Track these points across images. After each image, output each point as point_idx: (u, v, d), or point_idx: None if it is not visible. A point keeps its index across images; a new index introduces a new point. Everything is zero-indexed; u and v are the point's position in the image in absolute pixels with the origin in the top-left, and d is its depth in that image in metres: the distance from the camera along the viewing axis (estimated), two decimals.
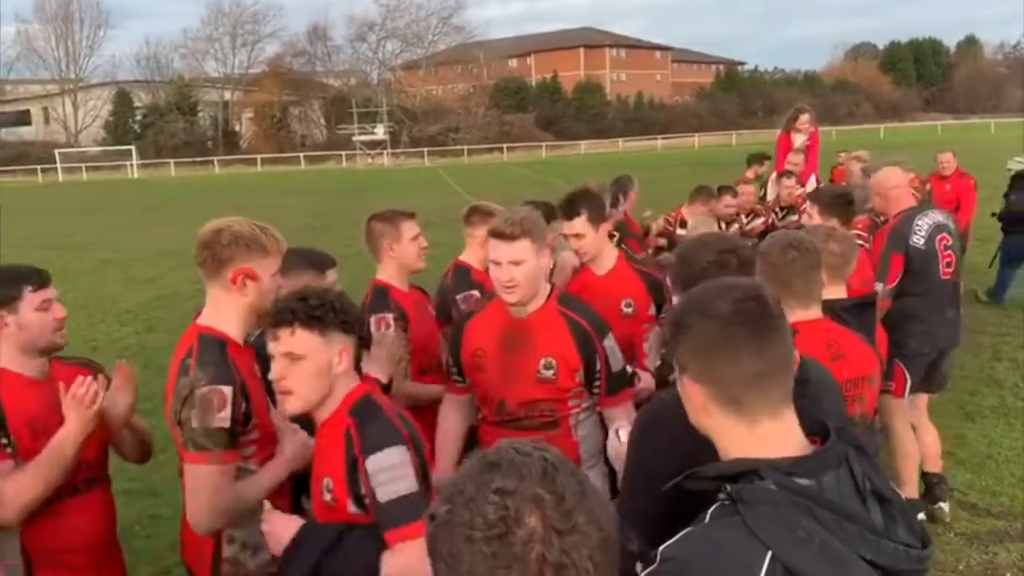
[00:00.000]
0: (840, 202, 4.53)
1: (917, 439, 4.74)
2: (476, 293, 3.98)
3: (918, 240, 4.57)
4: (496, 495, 1.06)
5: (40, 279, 2.62)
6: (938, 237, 4.61)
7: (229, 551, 2.48)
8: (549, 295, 3.10)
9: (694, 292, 1.54)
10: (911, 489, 4.61)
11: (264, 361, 2.42)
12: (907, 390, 4.64)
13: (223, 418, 2.31)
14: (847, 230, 4.03)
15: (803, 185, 7.84)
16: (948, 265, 4.64)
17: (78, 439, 2.49)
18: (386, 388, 3.13)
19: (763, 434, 1.40)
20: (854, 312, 3.02)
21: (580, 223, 3.71)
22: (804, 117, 8.66)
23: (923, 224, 4.61)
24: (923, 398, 4.89)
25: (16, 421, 2.50)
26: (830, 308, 2.87)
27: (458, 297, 4.01)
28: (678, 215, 6.77)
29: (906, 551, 1.32)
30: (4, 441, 2.46)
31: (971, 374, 7.08)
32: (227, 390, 2.33)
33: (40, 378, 2.60)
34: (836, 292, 3.12)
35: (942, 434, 5.04)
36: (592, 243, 3.75)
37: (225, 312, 2.49)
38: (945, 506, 4.71)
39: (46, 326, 2.59)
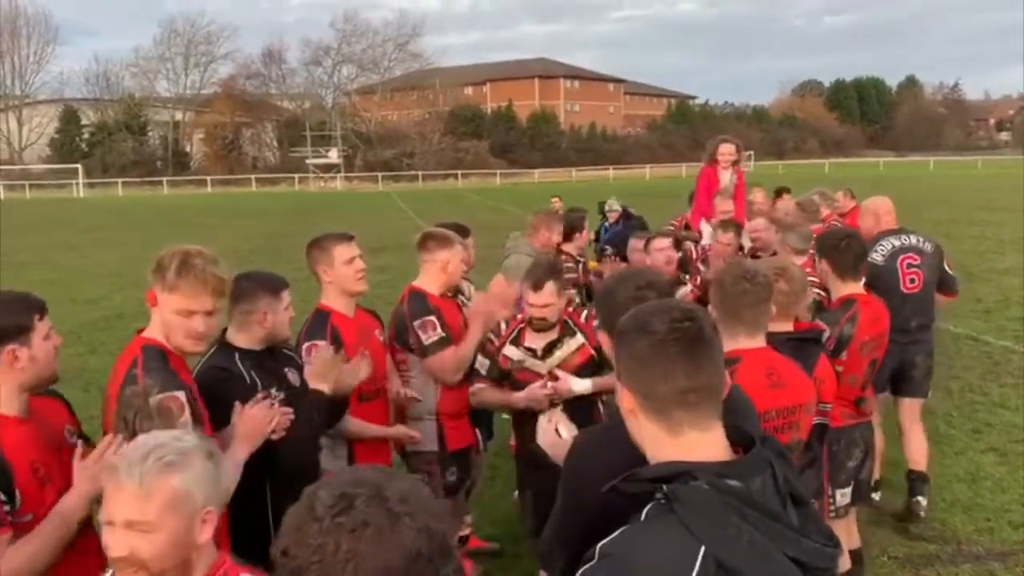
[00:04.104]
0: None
1: (908, 441, 5.27)
2: (433, 319, 3.94)
3: (877, 257, 5.05)
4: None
5: (43, 305, 2.41)
6: (901, 256, 5.12)
7: None
8: None
9: (638, 309, 1.63)
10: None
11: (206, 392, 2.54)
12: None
13: (185, 422, 2.35)
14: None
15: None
16: (912, 281, 5.10)
17: (87, 505, 2.30)
18: (337, 403, 3.18)
19: (688, 443, 1.50)
20: (794, 346, 3.12)
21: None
22: (725, 148, 7.19)
23: (886, 244, 5.15)
24: (914, 404, 5.31)
25: (22, 473, 2.23)
26: (771, 340, 2.98)
27: (415, 323, 3.95)
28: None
29: (822, 549, 1.43)
30: (2, 499, 2.18)
31: None
32: (180, 394, 2.41)
33: (26, 416, 2.35)
34: (781, 326, 3.23)
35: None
36: None
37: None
38: (923, 500, 5.04)
39: (51, 355, 2.39)
